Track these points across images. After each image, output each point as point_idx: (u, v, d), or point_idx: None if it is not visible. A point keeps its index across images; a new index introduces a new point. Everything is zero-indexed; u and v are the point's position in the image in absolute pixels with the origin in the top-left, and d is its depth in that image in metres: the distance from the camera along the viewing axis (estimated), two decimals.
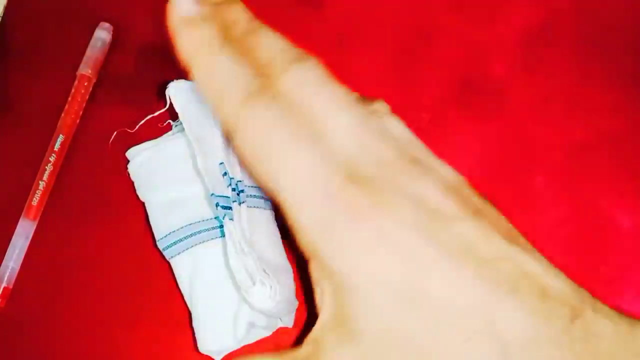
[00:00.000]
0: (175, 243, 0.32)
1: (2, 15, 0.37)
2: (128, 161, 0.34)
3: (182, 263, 0.32)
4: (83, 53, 0.36)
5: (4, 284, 0.33)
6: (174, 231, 0.32)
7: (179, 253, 0.32)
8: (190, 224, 0.32)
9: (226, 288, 0.31)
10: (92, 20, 0.37)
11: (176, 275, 0.33)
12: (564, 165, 0.28)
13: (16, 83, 0.37)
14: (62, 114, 0.35)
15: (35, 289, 0.34)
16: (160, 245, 0.33)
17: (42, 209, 0.35)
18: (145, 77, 0.37)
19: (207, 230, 0.32)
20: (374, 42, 0.38)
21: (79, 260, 0.34)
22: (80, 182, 0.35)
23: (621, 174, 0.28)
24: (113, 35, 0.37)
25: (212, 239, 0.32)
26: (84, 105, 0.36)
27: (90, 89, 0.36)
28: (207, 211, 0.32)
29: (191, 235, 0.32)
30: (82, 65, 0.36)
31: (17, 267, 0.34)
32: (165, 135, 0.35)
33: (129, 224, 0.35)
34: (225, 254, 0.31)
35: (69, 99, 0.36)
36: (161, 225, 0.33)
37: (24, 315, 0.34)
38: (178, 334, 0.33)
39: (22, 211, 0.34)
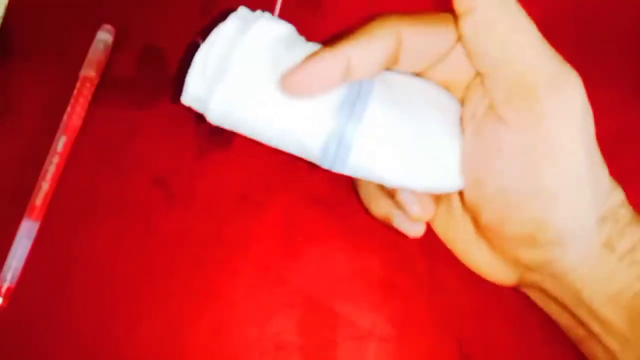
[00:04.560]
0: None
1: (3, 15, 0.37)
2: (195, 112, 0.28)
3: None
4: (85, 55, 0.37)
5: (6, 284, 0.34)
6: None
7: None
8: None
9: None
10: (94, 22, 0.37)
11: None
12: None
13: (18, 84, 0.37)
14: (65, 115, 0.36)
15: (37, 289, 0.34)
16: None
17: (45, 210, 0.35)
18: (147, 78, 0.37)
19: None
20: None
21: (80, 260, 0.34)
22: (82, 183, 0.36)
23: (619, 173, 0.28)
24: (115, 37, 0.37)
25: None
26: (87, 106, 0.36)
27: (93, 90, 0.37)
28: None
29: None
30: (84, 67, 0.36)
31: (20, 267, 0.34)
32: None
33: (129, 224, 0.35)
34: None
35: (72, 100, 0.36)
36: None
37: (26, 315, 0.34)
38: (178, 334, 0.33)
39: (24, 211, 0.35)
